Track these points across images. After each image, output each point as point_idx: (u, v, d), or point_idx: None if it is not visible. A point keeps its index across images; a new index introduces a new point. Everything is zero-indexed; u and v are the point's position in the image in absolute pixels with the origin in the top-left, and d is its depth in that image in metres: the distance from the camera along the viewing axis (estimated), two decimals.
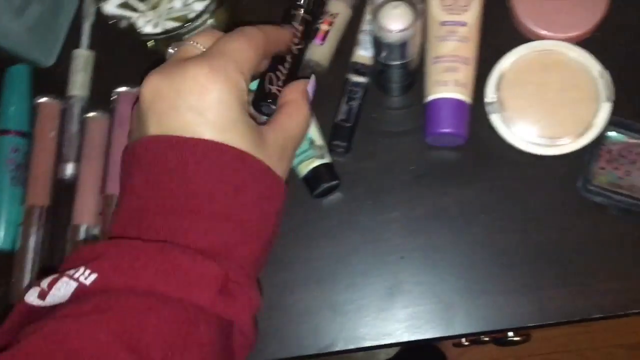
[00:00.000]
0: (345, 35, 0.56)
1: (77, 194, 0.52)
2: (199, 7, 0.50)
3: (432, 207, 0.52)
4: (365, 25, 0.54)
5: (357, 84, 0.54)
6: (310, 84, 0.41)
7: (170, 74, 0.35)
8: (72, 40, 0.58)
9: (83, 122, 0.54)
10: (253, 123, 0.36)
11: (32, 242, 0.50)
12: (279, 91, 0.40)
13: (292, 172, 0.53)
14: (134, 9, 0.51)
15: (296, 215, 0.53)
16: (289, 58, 0.42)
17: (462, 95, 0.51)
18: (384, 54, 0.48)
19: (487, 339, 0.81)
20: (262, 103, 0.40)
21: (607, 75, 0.51)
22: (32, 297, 0.31)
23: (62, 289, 0.31)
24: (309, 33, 0.44)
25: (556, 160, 0.52)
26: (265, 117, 0.40)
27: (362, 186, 0.54)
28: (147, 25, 0.51)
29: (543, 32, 0.53)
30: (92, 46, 0.57)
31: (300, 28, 0.43)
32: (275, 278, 0.52)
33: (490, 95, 0.52)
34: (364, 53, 0.54)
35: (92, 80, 0.57)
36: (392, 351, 1.19)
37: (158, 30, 0.50)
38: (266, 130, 0.37)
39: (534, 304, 0.49)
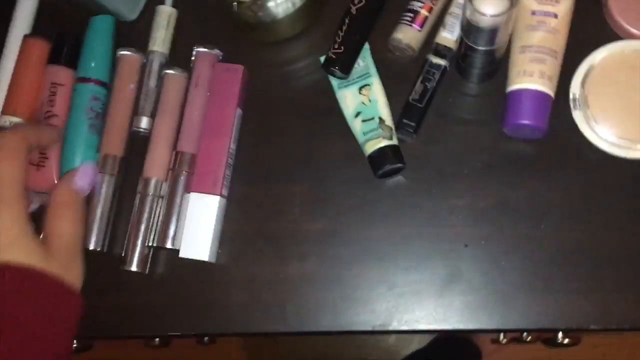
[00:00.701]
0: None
1: (150, 147, 0.53)
2: None
3: (501, 199, 0.52)
4: (454, 8, 0.53)
5: (436, 66, 0.53)
6: (83, 174, 0.45)
7: None
8: None
9: (161, 78, 0.55)
10: (37, 239, 0.40)
11: (103, 190, 0.51)
12: (335, 54, 0.41)
13: (358, 150, 0.53)
14: None
15: (359, 194, 0.53)
16: (347, 20, 0.41)
17: (547, 88, 0.49)
18: (472, 37, 0.47)
19: (529, 338, 0.80)
20: (330, 69, 0.40)
21: None
22: None
23: None
24: None
25: (634, 164, 0.50)
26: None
27: (429, 170, 0.53)
28: None
29: (636, 32, 0.52)
30: (175, 4, 0.58)
31: None
32: (333, 252, 0.52)
33: (575, 90, 0.51)
34: (448, 35, 0.53)
35: (174, 37, 0.57)
36: (425, 340, 1.19)
37: None
38: (47, 242, 0.41)
39: (597, 306, 0.48)
